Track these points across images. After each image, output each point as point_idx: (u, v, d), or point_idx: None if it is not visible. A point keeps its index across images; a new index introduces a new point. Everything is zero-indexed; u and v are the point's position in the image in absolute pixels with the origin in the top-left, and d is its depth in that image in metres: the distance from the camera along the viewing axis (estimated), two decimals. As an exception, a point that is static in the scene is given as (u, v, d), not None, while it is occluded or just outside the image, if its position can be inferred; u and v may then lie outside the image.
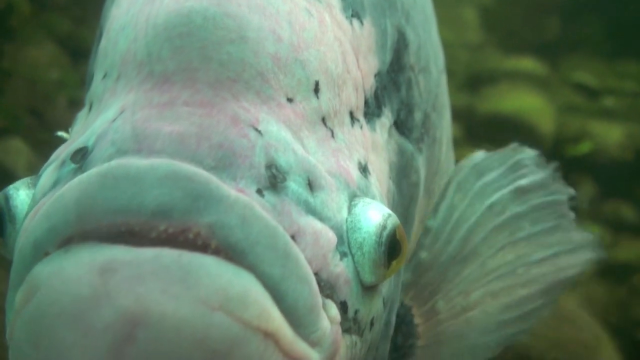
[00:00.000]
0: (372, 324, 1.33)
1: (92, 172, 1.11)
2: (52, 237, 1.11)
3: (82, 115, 1.42)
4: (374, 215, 1.27)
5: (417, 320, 1.77)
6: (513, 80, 7.82)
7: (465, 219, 1.81)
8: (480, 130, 7.17)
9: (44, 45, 5.44)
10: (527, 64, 8.12)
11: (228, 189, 1.10)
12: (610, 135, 7.26)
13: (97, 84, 1.34)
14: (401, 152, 1.58)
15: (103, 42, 1.37)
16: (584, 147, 6.83)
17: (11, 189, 1.31)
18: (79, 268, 1.05)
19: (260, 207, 1.13)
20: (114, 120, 1.21)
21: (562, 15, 8.78)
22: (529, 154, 1.94)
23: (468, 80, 8.02)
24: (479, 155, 1.90)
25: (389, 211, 1.30)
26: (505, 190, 1.86)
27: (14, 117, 4.69)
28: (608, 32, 8.54)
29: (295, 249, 1.14)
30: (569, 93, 7.96)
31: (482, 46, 8.55)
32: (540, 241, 1.86)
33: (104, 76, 1.32)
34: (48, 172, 1.27)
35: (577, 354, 4.87)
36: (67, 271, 1.06)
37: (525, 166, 1.91)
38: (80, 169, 1.18)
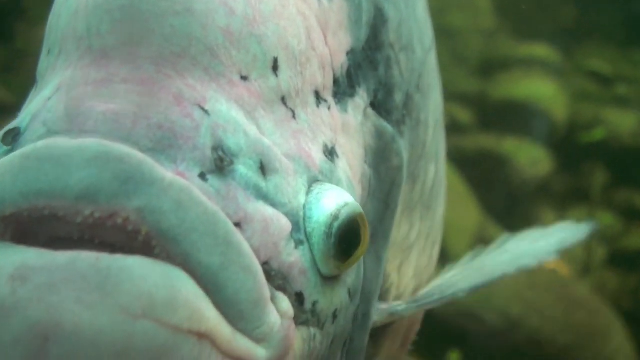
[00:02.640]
0: (334, 316, 1.24)
1: (15, 154, 1.03)
2: None
3: (31, 94, 1.32)
4: (328, 203, 1.19)
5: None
6: (526, 67, 7.80)
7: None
8: (493, 116, 7.17)
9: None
10: (541, 50, 8.10)
11: (163, 171, 1.01)
12: (623, 123, 7.24)
13: (42, 60, 1.26)
14: (379, 135, 1.48)
15: (50, 16, 1.27)
16: (598, 134, 6.82)
17: None
18: None
19: (200, 191, 1.04)
20: (49, 98, 1.13)
21: (577, 2, 8.75)
22: None
23: (481, 66, 8.01)
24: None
25: (347, 200, 1.22)
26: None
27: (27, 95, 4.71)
28: (622, 20, 8.51)
29: (237, 236, 1.05)
30: (582, 80, 7.95)
31: (495, 32, 8.52)
32: None
33: (48, 52, 1.24)
34: None
35: (588, 338, 4.88)
36: None
37: None
38: (12, 152, 1.09)
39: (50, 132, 1.07)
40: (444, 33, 7.52)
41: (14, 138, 1.12)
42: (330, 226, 1.17)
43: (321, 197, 1.19)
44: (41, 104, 1.13)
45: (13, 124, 1.14)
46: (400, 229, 1.71)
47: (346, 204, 1.20)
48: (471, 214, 5.98)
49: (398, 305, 1.60)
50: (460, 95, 7.17)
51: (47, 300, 0.92)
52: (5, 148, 1.12)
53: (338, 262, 1.19)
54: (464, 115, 7.16)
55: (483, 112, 7.25)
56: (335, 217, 1.18)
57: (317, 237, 1.17)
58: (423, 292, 1.75)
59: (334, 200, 1.19)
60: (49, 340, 0.91)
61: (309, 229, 1.17)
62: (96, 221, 0.98)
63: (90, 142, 1.01)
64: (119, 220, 0.98)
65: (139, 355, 0.94)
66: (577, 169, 7.13)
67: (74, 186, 0.98)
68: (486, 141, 6.94)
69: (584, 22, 8.66)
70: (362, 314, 1.43)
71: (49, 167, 0.99)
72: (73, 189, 0.98)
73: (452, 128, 6.54)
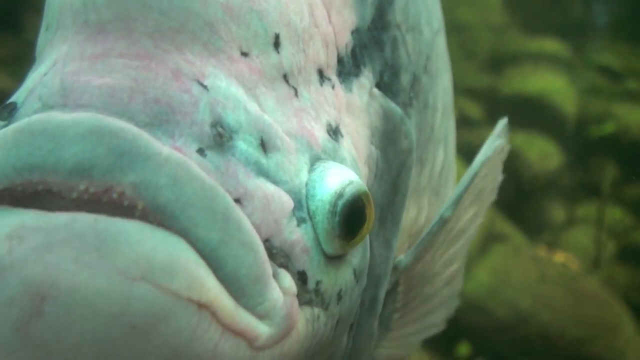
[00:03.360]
0: (339, 296, 1.22)
1: (9, 128, 1.01)
2: None
3: (30, 72, 1.28)
4: (332, 181, 1.16)
5: (400, 296, 1.64)
6: (536, 61, 7.79)
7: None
8: (503, 111, 7.13)
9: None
10: (551, 45, 8.09)
11: (160, 145, 0.99)
12: (633, 117, 7.23)
13: (40, 37, 1.24)
14: (387, 116, 1.45)
15: None
16: (608, 128, 6.80)
17: None
18: None
19: (198, 166, 1.02)
20: (45, 74, 1.11)
21: (586, -4, 8.73)
22: None
23: (491, 61, 8.00)
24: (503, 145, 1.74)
25: (352, 177, 1.19)
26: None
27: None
28: (632, 15, 8.48)
29: (237, 212, 1.03)
30: (592, 75, 7.93)
31: (505, 27, 8.51)
32: None
33: (46, 28, 1.22)
34: None
35: (597, 332, 4.88)
36: None
37: None
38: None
39: (46, 107, 1.05)
40: (453, 28, 7.51)
41: (9, 113, 1.11)
42: (334, 204, 1.15)
43: (325, 174, 1.17)
44: (37, 79, 1.12)
45: (10, 100, 1.12)
46: (409, 214, 1.67)
47: (351, 182, 1.18)
48: (481, 208, 5.98)
49: (399, 259, 1.57)
50: (470, 90, 7.17)
51: (44, 259, 0.91)
52: (1, 123, 1.10)
53: (343, 241, 1.17)
54: (474, 110, 7.16)
55: (493, 107, 7.24)
56: (340, 195, 1.16)
57: (321, 215, 1.15)
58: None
59: (338, 178, 1.17)
60: (45, 300, 0.90)
61: (312, 207, 1.15)
62: (91, 196, 0.97)
63: (85, 116, 0.99)
64: (114, 195, 0.97)
65: (135, 319, 0.92)
66: (587, 164, 7.12)
67: (67, 161, 0.96)
68: (496, 136, 6.94)
69: (593, 16, 8.64)
70: (370, 298, 1.42)
71: (42, 141, 0.98)
72: (66, 164, 0.96)
73: (462, 123, 6.54)
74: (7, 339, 0.91)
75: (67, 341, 0.91)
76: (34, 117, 1.00)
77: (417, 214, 1.73)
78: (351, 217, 1.17)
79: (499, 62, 7.94)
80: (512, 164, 6.77)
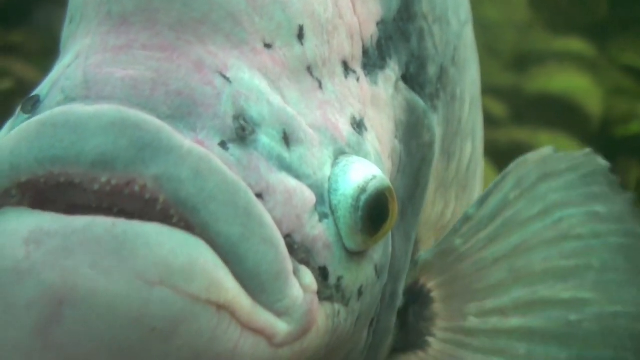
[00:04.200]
0: (360, 292, 1.20)
1: (32, 120, 1.02)
2: None
3: (55, 65, 1.30)
4: (355, 176, 1.15)
5: (436, 308, 1.57)
6: (561, 60, 7.74)
7: (520, 223, 1.57)
8: (527, 110, 7.12)
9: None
10: (576, 44, 8.02)
11: (181, 139, 1.00)
12: (659, 117, 7.18)
13: (65, 30, 1.25)
14: (411, 109, 1.43)
15: None
16: (633, 128, 6.75)
17: None
18: (2, 238, 0.95)
19: (221, 160, 1.02)
20: (68, 66, 1.12)
21: (612, -5, 8.67)
22: (602, 165, 1.66)
23: (515, 60, 7.96)
24: (547, 151, 1.66)
25: (375, 172, 1.18)
26: (576, 210, 1.59)
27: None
28: (658, 14, 8.41)
29: (259, 207, 1.03)
30: (617, 75, 7.87)
31: (530, 26, 8.46)
32: (609, 291, 1.54)
33: (70, 21, 1.23)
34: (5, 127, 1.19)
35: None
36: None
37: (599, 183, 1.64)
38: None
39: (68, 99, 1.06)
40: (477, 26, 7.45)
41: (33, 106, 1.11)
42: (357, 199, 1.14)
43: (348, 169, 1.16)
44: (60, 71, 1.13)
45: (34, 93, 1.13)
46: (435, 207, 1.65)
47: (374, 177, 1.17)
48: (505, 207, 5.96)
49: (420, 255, 1.54)
50: (494, 88, 7.13)
51: (62, 264, 0.91)
52: (25, 116, 1.11)
53: (365, 236, 1.16)
54: (498, 109, 7.12)
55: (517, 106, 7.20)
56: (363, 190, 1.15)
57: (344, 210, 1.14)
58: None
59: (362, 173, 1.16)
60: (63, 304, 0.90)
61: (334, 202, 1.14)
62: (113, 189, 0.97)
63: (107, 109, 0.99)
64: (136, 188, 0.97)
65: (154, 322, 0.93)
66: (612, 164, 7.06)
67: (89, 153, 0.97)
68: (520, 135, 6.90)
69: (619, 16, 8.58)
70: (389, 293, 1.41)
71: (64, 133, 0.98)
72: (88, 156, 0.97)
73: (486, 121, 6.51)
74: (26, 343, 0.91)
75: (86, 345, 0.91)
76: (57, 110, 1.01)
77: (443, 208, 1.71)
78: (374, 212, 1.16)
79: (524, 61, 7.90)
80: (536, 164, 6.75)
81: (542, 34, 8.29)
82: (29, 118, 1.09)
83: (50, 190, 1.00)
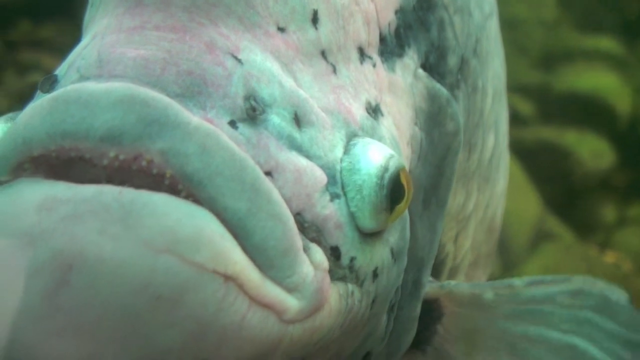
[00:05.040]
0: (375, 274, 1.20)
1: (45, 97, 1.04)
2: (2, 164, 1.04)
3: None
4: (375, 155, 1.16)
5: (440, 328, 1.58)
6: (590, 59, 7.70)
7: (546, 324, 1.56)
8: (555, 108, 7.09)
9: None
10: (605, 43, 7.98)
11: (189, 115, 1.01)
12: (688, 117, 7.13)
13: (86, 14, 1.27)
14: (432, 98, 1.44)
15: None
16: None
17: None
18: (16, 206, 0.98)
19: (229, 138, 1.03)
20: (85, 47, 1.14)
21: (642, -7, 8.61)
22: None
23: (543, 58, 7.93)
24: (616, 293, 1.60)
25: (392, 152, 1.19)
26: (598, 354, 1.56)
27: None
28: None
29: (267, 183, 1.04)
30: (646, 73, 7.83)
31: (558, 24, 8.42)
32: None
33: (91, 5, 1.25)
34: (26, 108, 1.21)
35: None
36: (4, 209, 0.98)
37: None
38: None
39: (83, 78, 1.08)
40: (506, 24, 7.42)
41: (50, 85, 1.13)
42: (381, 177, 1.15)
43: (367, 149, 1.17)
44: (78, 52, 1.15)
45: (52, 73, 1.15)
46: (456, 198, 1.66)
47: (392, 156, 1.18)
48: (531, 206, 5.94)
49: (451, 283, 1.56)
50: (522, 86, 7.11)
51: (71, 230, 0.93)
52: (42, 95, 1.12)
53: (388, 214, 1.17)
54: (525, 107, 7.10)
55: (545, 104, 7.18)
56: (385, 169, 1.16)
57: (369, 188, 1.15)
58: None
59: (380, 153, 1.17)
60: (72, 269, 0.92)
61: (358, 182, 1.15)
62: (121, 164, 0.98)
63: (117, 86, 1.01)
64: (143, 163, 0.98)
65: (160, 291, 0.93)
66: (640, 163, 7.03)
67: (98, 128, 0.98)
68: (547, 133, 6.88)
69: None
70: (412, 281, 1.41)
71: (75, 109, 1.00)
72: (97, 131, 0.98)
73: (513, 120, 6.48)
74: (36, 306, 0.93)
75: (94, 310, 0.92)
76: (69, 87, 1.04)
77: (465, 199, 1.72)
78: (394, 190, 1.17)
79: (552, 59, 7.86)
80: (564, 163, 6.72)
81: (571, 32, 8.25)
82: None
83: (62, 165, 1.01)
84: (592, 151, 6.89)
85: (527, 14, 8.15)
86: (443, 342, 1.57)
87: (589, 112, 7.05)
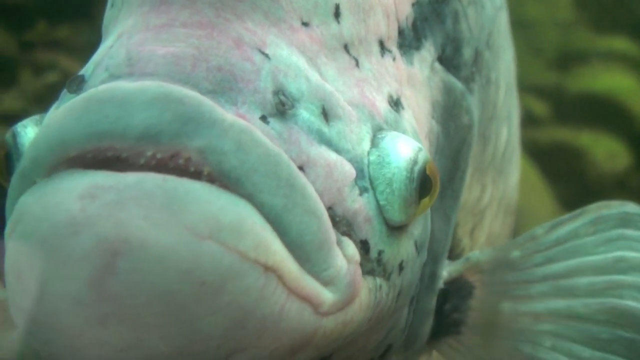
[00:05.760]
0: (401, 267, 1.22)
1: (78, 98, 1.05)
2: (37, 165, 1.05)
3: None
4: (404, 149, 1.17)
5: (474, 303, 1.59)
6: (605, 60, 7.66)
7: (581, 254, 1.57)
8: (570, 109, 7.06)
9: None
10: (620, 44, 7.94)
11: (223, 112, 1.02)
12: None
13: (107, 15, 1.28)
14: (447, 91, 1.46)
15: None
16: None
17: (19, 126, 1.23)
18: (58, 195, 0.98)
19: (262, 133, 1.04)
20: (111, 46, 1.15)
21: (658, -6, 8.57)
22: None
23: (558, 59, 7.89)
24: (632, 207, 1.63)
25: (419, 145, 1.20)
26: (637, 256, 1.57)
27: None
28: None
29: (301, 178, 1.05)
30: (662, 75, 7.79)
31: (573, 25, 8.39)
32: None
33: (112, 5, 1.26)
34: (51, 109, 1.22)
35: None
36: (47, 198, 0.99)
37: None
38: None
39: (113, 77, 1.09)
40: (520, 24, 7.43)
41: (78, 85, 1.14)
42: (411, 170, 1.16)
43: (396, 142, 1.18)
44: (104, 52, 1.15)
45: (78, 73, 1.17)
46: (472, 192, 1.69)
47: (420, 149, 1.19)
48: (546, 206, 5.92)
49: (475, 254, 1.57)
50: (536, 87, 7.08)
51: (116, 216, 0.94)
52: (70, 95, 1.14)
53: (416, 207, 1.18)
54: (540, 108, 7.08)
55: (559, 105, 7.15)
56: (415, 162, 1.17)
57: (399, 182, 1.16)
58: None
59: (409, 146, 1.18)
60: (117, 256, 0.93)
61: (387, 175, 1.15)
62: (158, 162, 0.99)
63: (150, 84, 1.02)
64: (181, 161, 0.99)
65: (204, 277, 0.94)
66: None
67: (135, 127, 0.99)
68: (562, 134, 6.85)
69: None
70: (429, 274, 1.43)
71: (110, 108, 1.00)
72: (134, 130, 0.99)
73: (528, 121, 6.46)
74: (81, 293, 0.94)
75: (139, 296, 0.93)
76: (101, 87, 1.04)
77: (480, 192, 1.73)
78: (423, 183, 1.19)
79: (567, 60, 7.83)
80: (579, 164, 6.70)
81: (586, 33, 8.21)
82: (74, 97, 1.11)
83: (97, 165, 1.02)
84: (607, 152, 6.86)
85: (542, 15, 8.12)
86: (480, 316, 1.58)
87: (604, 113, 7.02)
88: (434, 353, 1.64)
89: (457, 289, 1.58)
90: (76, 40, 5.79)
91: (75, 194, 0.97)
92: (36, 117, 1.24)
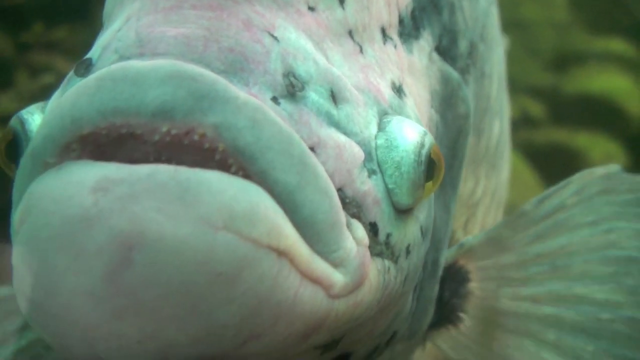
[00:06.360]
0: (408, 251, 1.22)
1: (90, 77, 1.05)
2: (49, 144, 1.04)
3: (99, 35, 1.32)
4: (411, 132, 1.18)
5: (472, 288, 1.62)
6: (601, 61, 7.68)
7: (571, 227, 1.60)
8: (566, 110, 7.07)
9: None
10: (616, 45, 7.96)
11: (237, 90, 1.02)
12: (701, 119, 7.10)
13: (108, 2, 1.28)
14: (445, 81, 1.47)
15: None
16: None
17: (25, 113, 1.21)
18: (70, 187, 0.97)
19: (274, 112, 1.05)
20: (119, 30, 1.14)
21: (654, -5, 8.58)
22: None
23: (554, 59, 7.90)
24: (614, 168, 1.71)
25: (424, 129, 1.21)
26: (626, 225, 1.60)
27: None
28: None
29: (313, 158, 1.05)
30: (658, 76, 7.80)
31: (570, 26, 8.40)
32: None
33: None
34: (55, 94, 1.22)
35: None
36: (58, 191, 0.98)
37: None
38: None
39: (123, 58, 1.09)
40: (517, 25, 7.45)
41: (86, 69, 1.14)
42: (419, 154, 1.17)
43: (402, 126, 1.18)
44: (111, 35, 1.15)
45: (85, 57, 1.16)
46: (466, 184, 1.71)
47: (426, 132, 1.20)
48: (542, 208, 5.93)
49: (467, 239, 1.60)
50: (533, 88, 7.09)
51: (130, 209, 0.93)
52: (78, 78, 1.13)
53: (423, 191, 1.19)
54: (536, 109, 7.09)
55: (556, 106, 7.16)
56: (422, 145, 1.18)
57: (407, 165, 1.16)
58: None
59: (415, 130, 1.19)
60: (132, 249, 0.92)
61: (396, 158, 1.16)
62: (173, 138, 0.99)
63: (164, 62, 1.02)
64: (196, 137, 0.99)
65: (220, 266, 0.94)
66: (652, 166, 7.00)
67: (149, 103, 0.99)
68: (559, 135, 6.86)
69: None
70: (431, 261, 1.44)
71: (124, 86, 1.00)
72: (149, 106, 0.99)
73: (524, 121, 6.48)
74: (97, 288, 0.94)
75: (156, 289, 0.93)
76: (114, 66, 1.05)
77: (474, 185, 1.76)
78: (430, 166, 1.20)
79: (563, 61, 7.84)
80: (575, 165, 6.70)
81: (583, 34, 8.23)
82: (82, 80, 1.11)
83: (110, 144, 1.02)
84: (604, 153, 6.87)
85: (538, 16, 8.13)
86: (479, 303, 1.60)
87: (600, 114, 7.03)
88: (428, 346, 1.65)
89: (453, 275, 1.60)
90: (73, 42, 5.79)
91: (87, 187, 0.96)
92: (40, 103, 1.24)
